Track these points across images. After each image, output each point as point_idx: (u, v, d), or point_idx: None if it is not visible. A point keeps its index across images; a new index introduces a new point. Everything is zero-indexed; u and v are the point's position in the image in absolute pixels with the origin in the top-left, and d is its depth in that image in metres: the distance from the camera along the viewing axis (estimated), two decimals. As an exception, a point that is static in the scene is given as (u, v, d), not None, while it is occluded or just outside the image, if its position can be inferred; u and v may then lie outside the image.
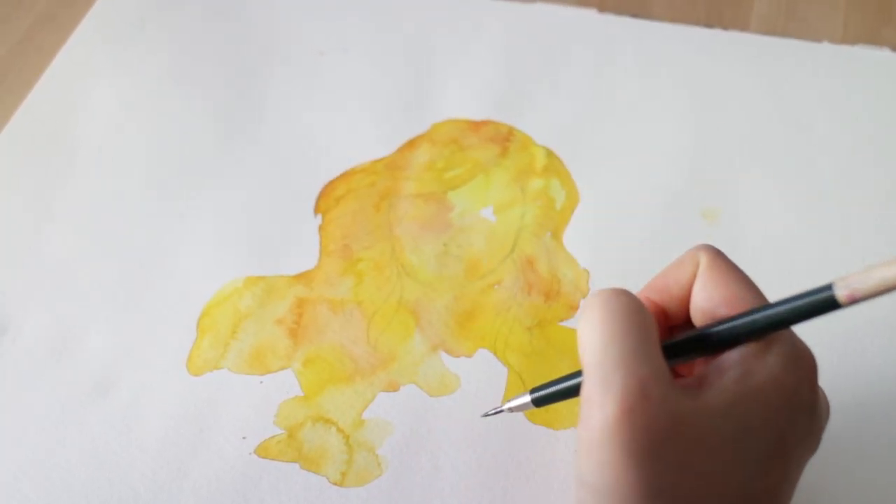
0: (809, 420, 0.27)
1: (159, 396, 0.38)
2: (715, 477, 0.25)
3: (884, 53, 0.48)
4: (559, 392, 0.30)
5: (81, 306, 0.40)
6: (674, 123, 0.46)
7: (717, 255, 0.28)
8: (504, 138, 0.46)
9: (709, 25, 0.50)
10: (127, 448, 0.36)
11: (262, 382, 0.38)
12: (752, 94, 0.47)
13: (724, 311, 0.27)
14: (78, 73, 0.49)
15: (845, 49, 0.49)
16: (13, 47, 0.51)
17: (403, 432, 0.36)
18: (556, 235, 0.42)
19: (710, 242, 0.41)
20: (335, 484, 0.35)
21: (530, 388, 0.32)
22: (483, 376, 0.38)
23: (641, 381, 0.24)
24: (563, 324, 0.39)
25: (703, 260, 0.28)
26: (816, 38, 0.50)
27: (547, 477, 0.35)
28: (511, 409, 0.33)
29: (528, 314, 0.39)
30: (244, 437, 0.36)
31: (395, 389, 0.37)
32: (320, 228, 0.43)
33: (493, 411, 0.35)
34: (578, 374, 0.29)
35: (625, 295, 0.26)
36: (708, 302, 0.28)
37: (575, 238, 0.42)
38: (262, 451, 0.36)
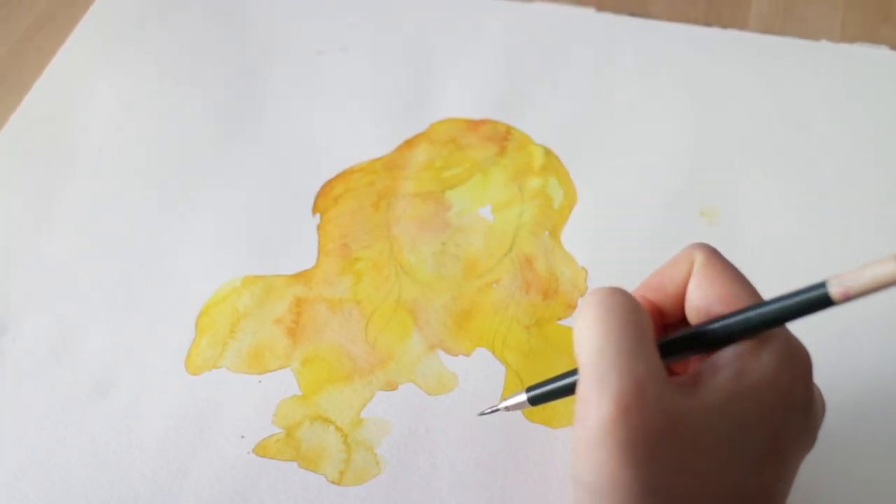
0: (805, 418, 0.27)
1: (158, 396, 0.38)
2: (710, 476, 0.25)
3: (882, 52, 0.48)
4: (555, 391, 0.31)
5: (81, 306, 0.40)
6: (672, 122, 0.46)
7: (713, 254, 0.28)
8: (502, 137, 0.46)
9: (707, 24, 0.50)
10: (126, 447, 0.36)
11: (260, 381, 0.38)
12: (750, 93, 0.47)
13: (718, 308, 0.27)
14: (77, 72, 0.49)
15: (844, 48, 0.49)
16: (13, 47, 0.51)
17: (402, 431, 0.36)
18: (555, 234, 0.42)
19: (709, 242, 0.41)
20: (333, 483, 0.35)
21: (528, 386, 0.32)
22: (481, 375, 0.38)
23: (637, 381, 0.24)
24: (562, 322, 0.39)
25: (699, 258, 0.28)
26: (815, 36, 0.50)
27: (545, 475, 0.35)
28: (507, 408, 0.33)
29: (526, 313, 0.39)
30: (243, 437, 0.36)
31: (394, 388, 0.38)
32: (319, 228, 0.43)
33: (489, 410, 0.35)
34: (574, 372, 0.29)
35: (621, 294, 0.26)
36: (703, 300, 0.28)
37: (573, 237, 0.42)
38: (261, 450, 0.36)
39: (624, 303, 0.26)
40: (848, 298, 0.24)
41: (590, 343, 0.25)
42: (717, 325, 0.27)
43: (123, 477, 0.35)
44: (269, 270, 0.41)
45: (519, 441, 0.36)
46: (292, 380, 0.38)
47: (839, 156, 0.44)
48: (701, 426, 0.25)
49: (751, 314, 0.26)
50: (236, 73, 0.49)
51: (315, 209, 0.43)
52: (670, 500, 0.24)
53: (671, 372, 0.30)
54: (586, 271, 0.41)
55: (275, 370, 0.38)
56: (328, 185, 0.44)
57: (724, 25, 0.50)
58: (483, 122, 0.46)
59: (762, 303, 0.26)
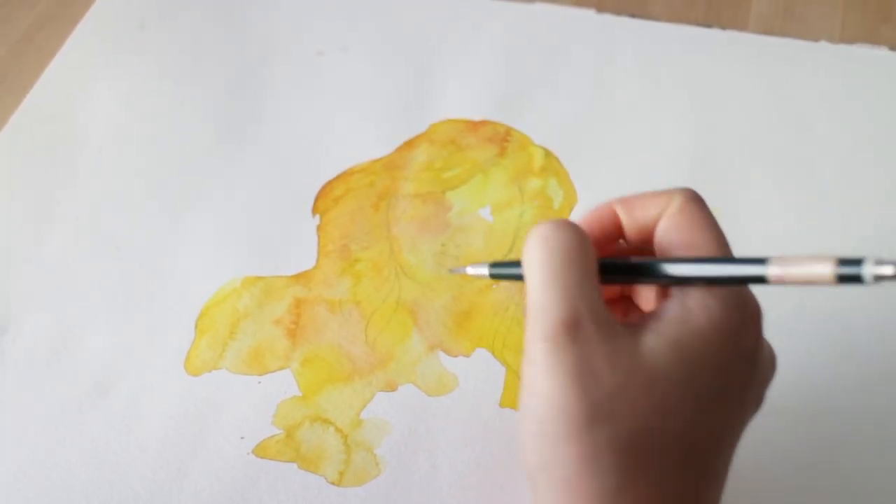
0: (751, 368, 0.27)
1: (158, 397, 0.38)
2: (653, 413, 0.25)
3: (882, 52, 0.48)
4: (514, 274, 0.30)
5: (80, 307, 0.40)
6: (672, 123, 0.46)
7: (691, 201, 0.28)
8: (502, 138, 0.46)
9: (707, 25, 0.50)
10: (126, 448, 0.36)
11: (260, 382, 0.38)
12: (750, 93, 0.47)
13: (679, 254, 0.27)
14: (78, 73, 0.49)
15: (844, 48, 0.49)
16: (13, 47, 0.51)
17: (401, 432, 0.36)
18: (554, 235, 0.42)
19: None
20: (333, 484, 0.35)
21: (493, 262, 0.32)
22: (481, 375, 0.38)
23: (577, 315, 0.25)
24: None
25: (676, 201, 0.28)
26: (815, 37, 0.50)
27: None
28: (472, 274, 0.32)
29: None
30: (242, 437, 0.36)
31: (394, 389, 0.38)
32: (318, 229, 0.43)
33: (457, 270, 0.34)
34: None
35: (564, 230, 0.27)
36: (667, 242, 0.28)
37: (573, 238, 0.42)
38: (261, 450, 0.36)
39: (568, 239, 0.26)
40: (781, 283, 0.25)
41: (534, 283, 0.26)
42: (658, 262, 0.27)
43: (123, 477, 0.36)
44: (269, 271, 0.41)
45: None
46: (292, 381, 0.38)
47: (839, 156, 0.44)
48: (643, 362, 0.25)
49: (687, 266, 0.27)
50: (236, 74, 0.49)
51: (315, 210, 0.43)
52: (613, 431, 0.25)
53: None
54: (586, 272, 0.41)
55: (274, 371, 0.38)
56: (328, 185, 0.44)
57: (723, 26, 0.50)
58: (483, 123, 0.46)
59: (705, 258, 0.27)
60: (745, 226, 0.42)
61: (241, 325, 0.40)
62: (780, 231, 0.42)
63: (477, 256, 0.41)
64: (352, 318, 0.40)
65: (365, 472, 0.35)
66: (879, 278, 0.23)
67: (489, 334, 0.39)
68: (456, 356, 0.38)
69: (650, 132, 0.46)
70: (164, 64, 0.50)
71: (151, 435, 0.37)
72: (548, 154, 0.45)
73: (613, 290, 0.31)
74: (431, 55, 0.50)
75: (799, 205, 0.43)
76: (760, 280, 0.25)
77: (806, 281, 0.24)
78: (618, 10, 0.51)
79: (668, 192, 0.28)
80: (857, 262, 0.23)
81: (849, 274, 0.23)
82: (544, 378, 0.25)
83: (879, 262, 0.23)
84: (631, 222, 0.29)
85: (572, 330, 0.25)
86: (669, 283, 0.27)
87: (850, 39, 0.49)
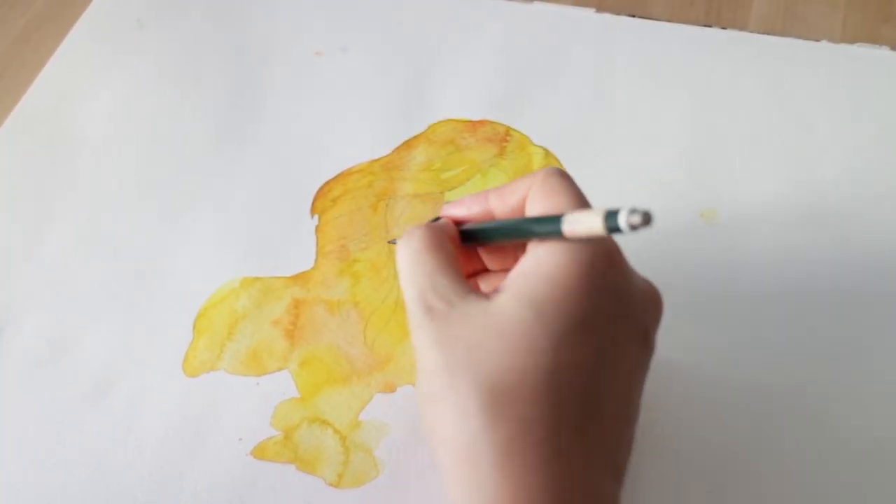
0: (616, 301, 0.29)
1: (156, 398, 0.38)
2: (516, 352, 0.28)
3: (883, 52, 0.48)
4: (488, 231, 0.33)
5: (78, 307, 0.40)
6: (672, 123, 0.46)
7: (551, 174, 0.31)
8: (501, 138, 0.45)
9: (707, 25, 0.50)
10: (124, 449, 0.36)
11: (258, 384, 0.38)
12: (751, 93, 0.47)
13: None
14: (75, 73, 0.49)
15: (844, 48, 0.49)
16: (10, 47, 0.51)
17: (400, 433, 0.36)
18: (554, 236, 0.42)
19: (709, 243, 0.41)
20: (331, 485, 0.35)
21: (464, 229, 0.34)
22: (480, 377, 0.38)
23: (428, 302, 0.30)
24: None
25: (539, 175, 0.31)
26: (816, 37, 0.49)
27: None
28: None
29: (525, 315, 0.39)
30: (241, 439, 0.36)
31: (392, 390, 0.37)
32: (317, 229, 0.43)
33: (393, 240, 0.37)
34: (504, 224, 0.32)
35: (416, 234, 0.32)
36: (532, 212, 0.31)
37: (573, 238, 0.42)
38: (259, 452, 0.36)
39: (418, 242, 0.31)
40: (574, 235, 0.28)
41: (403, 282, 0.31)
42: (495, 223, 0.32)
43: (121, 479, 0.35)
44: (268, 272, 0.41)
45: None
46: (290, 382, 0.38)
47: (840, 156, 0.44)
48: (495, 315, 0.28)
49: (507, 222, 0.31)
50: (234, 74, 0.49)
51: (313, 210, 0.43)
52: (473, 378, 0.28)
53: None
54: (586, 273, 0.40)
55: (273, 372, 0.38)
56: (326, 186, 0.44)
57: (724, 26, 0.50)
58: (482, 122, 0.46)
59: (520, 219, 0.31)
60: (746, 227, 0.42)
61: (239, 325, 0.39)
62: (780, 232, 0.42)
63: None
64: (350, 319, 0.39)
65: (363, 473, 0.35)
66: (633, 227, 0.25)
67: (488, 335, 0.39)
68: (455, 357, 0.38)
69: (650, 132, 0.46)
70: (162, 64, 0.50)
71: (150, 435, 0.37)
72: (547, 154, 0.45)
73: (503, 263, 0.35)
74: (430, 55, 0.49)
75: (799, 205, 0.43)
76: (558, 233, 0.28)
77: (588, 234, 0.27)
78: (617, 10, 0.51)
79: (533, 173, 0.32)
80: (616, 214, 0.26)
81: (613, 227, 0.26)
82: (419, 354, 0.30)
83: (632, 212, 0.25)
84: (503, 206, 0.32)
85: (428, 313, 0.30)
86: (507, 241, 0.32)
87: (850, 39, 0.49)
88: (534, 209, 0.31)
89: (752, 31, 0.50)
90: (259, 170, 0.45)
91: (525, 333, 0.28)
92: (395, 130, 0.46)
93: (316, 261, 0.41)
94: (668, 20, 0.50)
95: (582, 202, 0.30)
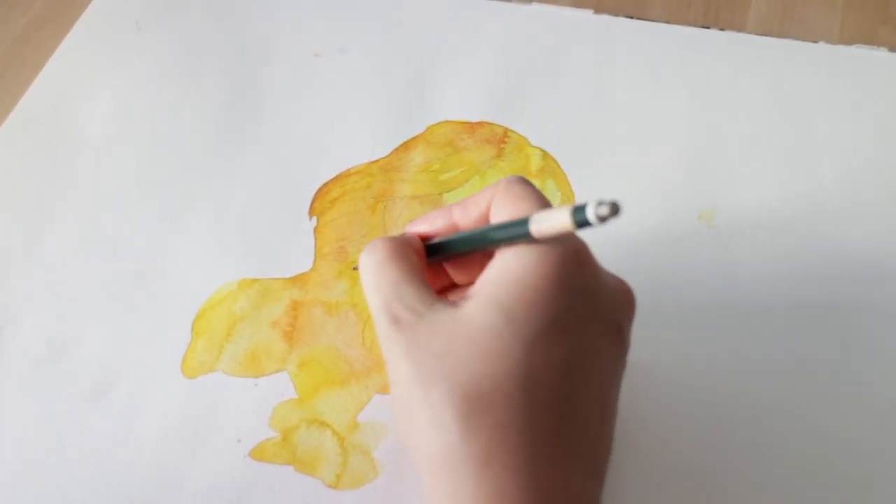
0: (587, 300, 0.29)
1: (154, 399, 0.38)
2: (479, 361, 0.27)
3: (881, 53, 0.48)
4: (454, 243, 0.33)
5: (77, 308, 0.40)
6: (671, 124, 0.46)
7: (512, 182, 0.31)
8: (499, 140, 0.45)
9: (706, 26, 0.50)
10: (123, 450, 0.36)
11: (256, 385, 0.38)
12: (749, 94, 0.47)
13: None
14: (74, 73, 0.49)
15: (843, 49, 0.49)
16: (9, 47, 0.51)
17: (397, 434, 0.36)
18: (552, 237, 0.42)
19: (709, 244, 0.41)
20: (330, 486, 0.35)
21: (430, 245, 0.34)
22: (478, 379, 0.38)
23: (394, 312, 0.30)
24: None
25: (502, 185, 0.31)
26: (814, 38, 0.49)
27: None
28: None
29: (523, 316, 0.39)
30: (239, 440, 0.36)
31: (390, 392, 0.37)
32: (315, 231, 0.43)
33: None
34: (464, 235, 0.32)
35: (376, 247, 0.32)
36: (497, 220, 0.31)
37: (571, 240, 0.42)
38: (257, 453, 0.36)
39: (380, 254, 0.31)
40: (542, 235, 0.28)
41: (365, 295, 0.31)
42: (459, 234, 0.32)
43: (120, 479, 0.36)
44: (266, 273, 0.41)
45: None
46: (289, 383, 0.38)
47: (838, 158, 0.44)
48: (464, 322, 0.28)
49: (474, 232, 0.31)
50: (233, 75, 0.49)
51: (312, 212, 0.43)
52: (446, 387, 0.27)
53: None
54: (584, 274, 0.40)
55: (271, 374, 0.38)
56: (324, 187, 0.44)
57: (722, 27, 0.50)
58: (480, 124, 0.46)
59: (487, 227, 0.30)
60: (745, 228, 0.42)
61: (237, 327, 0.40)
62: (779, 233, 0.42)
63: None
64: (349, 321, 0.39)
65: (362, 474, 0.35)
66: (602, 218, 0.25)
67: (486, 337, 0.39)
68: (453, 359, 0.38)
69: (648, 133, 0.46)
70: (162, 65, 0.50)
71: (149, 436, 0.37)
72: (545, 155, 0.45)
73: (471, 276, 0.33)
74: (429, 56, 0.49)
75: (798, 206, 0.43)
76: (528, 236, 0.28)
77: (557, 231, 0.27)
78: (616, 11, 0.51)
79: (495, 183, 0.32)
80: (583, 208, 0.26)
81: (581, 220, 0.26)
82: (390, 366, 0.30)
83: (599, 204, 0.25)
84: (467, 218, 0.32)
85: (395, 324, 0.29)
86: (474, 251, 0.32)
87: (848, 40, 0.49)
88: (499, 217, 0.31)
89: (750, 33, 0.50)
90: (258, 171, 0.45)
91: (496, 339, 0.28)
92: (393, 132, 0.46)
93: (314, 262, 0.42)
94: (667, 21, 0.51)
95: (546, 205, 0.30)
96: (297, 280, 0.41)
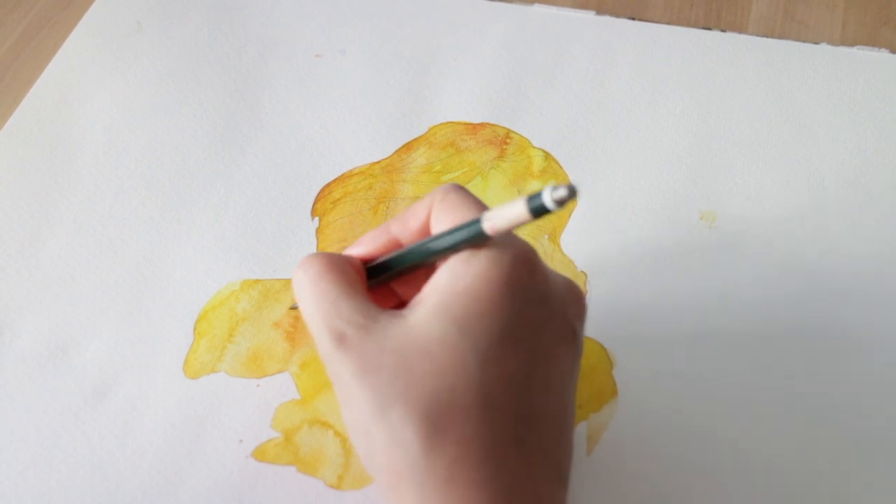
0: (540, 305, 0.29)
1: (156, 400, 0.38)
2: (443, 373, 0.27)
3: (882, 55, 0.48)
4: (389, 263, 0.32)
5: (78, 310, 0.40)
6: (672, 125, 0.46)
7: (449, 191, 0.30)
8: (502, 141, 0.45)
9: (707, 28, 0.50)
10: (125, 451, 0.36)
11: (258, 386, 0.38)
12: (751, 96, 0.47)
13: None
14: (75, 75, 0.49)
15: (844, 51, 0.49)
16: (10, 49, 0.51)
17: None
18: (554, 238, 0.42)
19: (710, 246, 0.41)
20: (332, 487, 0.35)
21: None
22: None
23: (337, 329, 0.28)
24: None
25: (438, 195, 0.30)
26: (815, 39, 0.50)
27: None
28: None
29: (525, 317, 0.39)
30: (241, 441, 0.36)
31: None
32: (317, 231, 0.43)
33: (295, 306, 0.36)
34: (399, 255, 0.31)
35: (313, 262, 0.30)
36: (438, 231, 0.30)
37: (572, 241, 0.42)
38: (260, 454, 0.36)
39: (315, 271, 0.30)
40: (497, 232, 0.27)
41: (302, 313, 0.30)
42: (407, 248, 0.31)
43: (121, 481, 0.35)
44: (268, 274, 0.41)
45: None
46: (291, 384, 0.38)
47: (840, 159, 0.44)
48: (414, 336, 0.27)
49: (428, 243, 0.30)
50: (234, 77, 0.49)
51: (314, 213, 0.43)
52: (405, 406, 0.27)
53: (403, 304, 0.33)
54: (586, 275, 0.40)
55: (273, 374, 0.38)
56: (326, 188, 0.44)
57: (723, 29, 0.50)
58: (482, 125, 0.46)
59: (446, 231, 0.29)
60: (746, 229, 0.42)
61: (239, 328, 0.39)
62: (780, 234, 0.42)
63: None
64: (351, 321, 0.39)
65: (364, 475, 0.35)
66: (559, 202, 0.25)
67: (489, 337, 0.39)
68: (455, 359, 0.38)
69: (650, 134, 0.46)
70: (162, 67, 0.50)
71: (151, 437, 0.37)
72: (547, 156, 0.45)
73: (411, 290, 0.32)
74: (430, 57, 0.49)
75: (800, 208, 0.43)
76: (482, 235, 0.27)
77: (513, 224, 0.27)
78: (617, 13, 0.51)
79: (431, 194, 0.31)
80: (539, 194, 0.25)
81: (537, 206, 0.25)
82: (338, 386, 0.29)
83: (555, 189, 0.25)
84: (407, 233, 0.31)
85: (339, 343, 0.28)
86: (419, 265, 0.30)
87: (850, 42, 0.49)
88: (439, 227, 0.30)
89: (751, 34, 0.50)
90: (259, 172, 0.45)
91: (450, 352, 0.27)
92: (395, 132, 0.46)
93: (316, 263, 0.41)
94: (668, 23, 0.51)
95: (484, 210, 0.29)
96: (299, 281, 0.41)
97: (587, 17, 0.51)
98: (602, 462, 0.35)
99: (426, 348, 0.27)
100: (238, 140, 0.46)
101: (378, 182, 0.44)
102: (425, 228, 0.31)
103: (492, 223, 0.27)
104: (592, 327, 0.38)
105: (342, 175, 0.44)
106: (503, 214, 0.27)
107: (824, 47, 0.49)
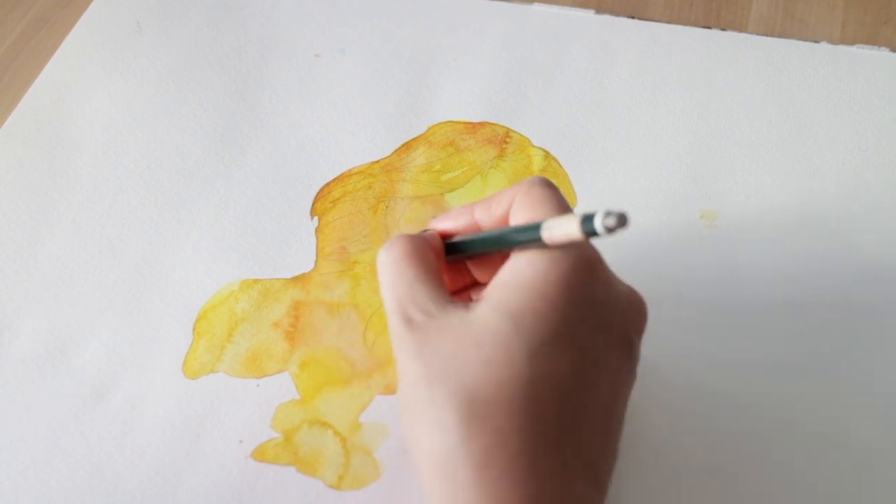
0: (597, 311, 0.29)
1: (156, 400, 0.37)
2: (484, 365, 0.28)
3: (882, 53, 0.48)
4: (472, 243, 0.33)
5: (77, 310, 0.40)
6: (672, 125, 0.46)
7: (534, 185, 0.31)
8: (501, 140, 0.45)
9: (707, 26, 0.50)
10: (124, 452, 0.36)
11: (258, 385, 0.38)
12: (751, 95, 0.47)
13: None
14: (74, 75, 0.49)
15: (844, 49, 0.49)
16: (9, 49, 0.51)
17: (400, 435, 0.36)
18: (554, 237, 0.42)
19: (710, 244, 0.41)
20: (332, 487, 0.35)
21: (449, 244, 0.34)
22: (480, 379, 0.37)
23: (407, 313, 0.30)
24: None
25: (524, 186, 0.31)
26: (815, 38, 0.49)
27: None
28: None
29: (525, 316, 0.39)
30: (241, 441, 0.36)
31: (393, 392, 0.37)
32: (317, 231, 0.43)
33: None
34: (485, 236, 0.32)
35: (393, 247, 0.32)
36: (515, 222, 0.31)
37: (573, 240, 0.42)
38: (259, 454, 0.36)
39: (397, 254, 0.32)
40: (553, 241, 0.28)
41: (382, 287, 0.32)
42: (476, 235, 0.32)
43: (121, 482, 0.35)
44: (267, 274, 0.41)
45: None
46: (290, 384, 0.38)
47: (840, 158, 0.44)
48: (471, 326, 0.28)
49: (493, 232, 0.31)
50: (234, 77, 0.49)
51: (313, 212, 0.43)
52: (449, 388, 0.28)
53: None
54: (586, 274, 0.40)
55: (273, 374, 0.38)
56: (326, 188, 0.44)
57: (723, 27, 0.50)
58: (482, 124, 0.46)
59: (515, 227, 0.30)
60: (746, 229, 0.42)
61: (239, 327, 0.39)
62: (780, 233, 0.42)
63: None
64: (350, 321, 0.39)
65: (364, 475, 0.35)
66: (609, 230, 0.25)
67: (489, 337, 0.39)
68: (455, 359, 0.38)
69: (650, 133, 0.46)
70: (161, 66, 0.50)
71: (150, 437, 0.36)
72: (547, 155, 0.45)
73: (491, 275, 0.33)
74: (430, 56, 0.49)
75: (800, 207, 0.43)
76: (539, 241, 0.28)
77: (567, 239, 0.27)
78: (617, 11, 0.51)
79: (518, 183, 0.32)
80: (592, 217, 0.25)
81: (589, 229, 0.26)
82: (399, 366, 0.30)
83: (607, 215, 0.25)
84: (490, 219, 0.32)
85: (407, 324, 0.30)
86: (492, 251, 0.31)
87: (850, 41, 0.49)
88: (517, 219, 0.31)
89: (751, 33, 0.50)
90: (259, 172, 0.45)
91: (502, 344, 0.28)
92: (394, 132, 0.46)
93: (316, 263, 0.41)
94: (668, 22, 0.51)
95: (564, 211, 0.30)
96: (299, 280, 0.41)
97: (587, 15, 0.51)
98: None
99: (480, 338, 0.28)
100: (238, 140, 0.46)
101: (377, 181, 0.44)
102: (506, 216, 0.32)
103: (549, 233, 0.28)
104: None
105: (342, 174, 0.44)
106: (559, 228, 0.27)
107: (824, 46, 0.49)
